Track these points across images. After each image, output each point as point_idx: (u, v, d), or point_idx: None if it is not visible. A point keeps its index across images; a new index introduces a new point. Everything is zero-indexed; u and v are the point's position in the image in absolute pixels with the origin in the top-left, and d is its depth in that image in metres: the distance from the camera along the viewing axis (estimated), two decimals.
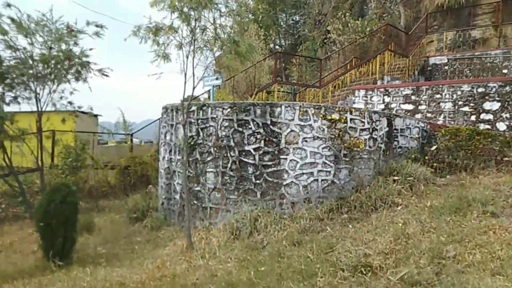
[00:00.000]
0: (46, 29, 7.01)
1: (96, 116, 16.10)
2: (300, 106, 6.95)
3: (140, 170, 10.76)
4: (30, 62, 7.05)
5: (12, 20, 6.65)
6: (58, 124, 8.67)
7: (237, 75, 13.95)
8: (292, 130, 6.86)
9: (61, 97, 7.51)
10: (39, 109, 7.26)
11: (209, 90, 11.68)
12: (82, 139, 9.69)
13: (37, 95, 7.22)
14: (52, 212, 5.62)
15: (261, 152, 6.84)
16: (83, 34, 7.49)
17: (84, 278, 5.07)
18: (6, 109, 7.30)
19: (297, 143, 6.84)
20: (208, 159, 7.13)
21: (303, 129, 6.88)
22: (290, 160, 6.81)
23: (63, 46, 7.24)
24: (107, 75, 7.80)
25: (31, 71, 7.04)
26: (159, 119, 13.80)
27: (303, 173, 6.82)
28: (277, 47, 25.10)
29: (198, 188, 7.18)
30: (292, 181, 6.79)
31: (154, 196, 8.86)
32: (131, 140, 12.38)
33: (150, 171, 10.68)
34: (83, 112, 9.92)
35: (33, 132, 7.61)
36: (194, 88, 5.66)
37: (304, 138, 6.86)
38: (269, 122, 6.86)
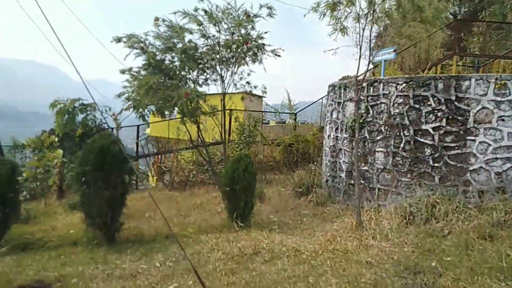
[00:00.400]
0: (230, 17, 7.88)
1: (261, 97, 17.35)
2: (496, 79, 5.86)
3: (302, 147, 11.16)
4: (217, 48, 8.06)
5: (205, 12, 7.71)
6: (238, 103, 9.78)
7: (403, 51, 12.74)
8: (483, 107, 5.86)
9: (240, 78, 8.40)
10: (224, 90, 8.30)
11: (374, 67, 11.09)
12: (254, 117, 10.69)
13: (222, 77, 8.25)
14: (236, 179, 6.37)
15: (441, 131, 6.12)
16: (258, 18, 8.08)
17: (262, 240, 5.60)
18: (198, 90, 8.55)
19: (490, 122, 5.82)
20: (378, 138, 6.81)
21: (500, 106, 5.79)
22: (480, 142, 5.86)
23: (242, 31, 8.00)
24: (279, 55, 8.25)
25: (217, 56, 8.06)
26: (318, 100, 13.98)
27: (496, 158, 5.79)
28: (450, 16, 21.83)
29: (365, 168, 6.98)
30: (481, 167, 5.85)
31: (317, 173, 9.06)
32: (295, 119, 12.98)
33: (312, 149, 10.96)
34: (252, 94, 10.85)
35: (218, 110, 8.75)
36: (370, 62, 5.45)
37: (500, 116, 5.78)
38: (453, 97, 6.04)
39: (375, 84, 6.86)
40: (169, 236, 6.20)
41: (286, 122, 15.39)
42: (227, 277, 4.44)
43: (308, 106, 14.33)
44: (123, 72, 7.41)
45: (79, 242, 6.08)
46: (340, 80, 8.47)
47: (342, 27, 5.34)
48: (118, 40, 7.38)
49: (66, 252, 5.71)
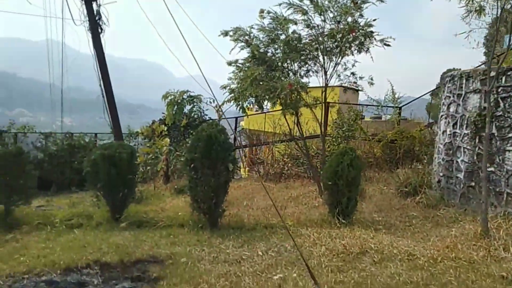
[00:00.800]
0: (337, 5, 7.52)
1: (357, 90, 16.59)
2: None
3: (406, 144, 10.29)
4: (320, 38, 7.78)
5: (311, 1, 7.49)
6: (338, 96, 9.40)
7: None
8: None
9: (345, 69, 8.00)
10: (326, 81, 8.01)
11: (497, 56, 9.63)
12: (354, 110, 10.17)
13: (324, 69, 7.96)
14: (339, 173, 6.09)
15: None
16: (367, 3, 7.54)
17: (368, 239, 5.24)
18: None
19: None
20: (510, 135, 5.86)
21: None
22: None
23: (349, 19, 7.57)
24: (388, 45, 7.60)
25: (321, 46, 7.79)
26: (425, 94, 12.75)
27: None
28: None
29: (491, 169, 6.07)
30: None
31: (425, 172, 8.24)
32: (399, 114, 12.02)
33: (418, 146, 10.03)
34: (349, 88, 10.31)
35: (320, 102, 8.51)
36: (509, 46, 4.60)
37: None
38: None
39: (509, 73, 5.88)
40: (269, 226, 6.23)
41: (382, 118, 14.42)
42: (334, 274, 4.23)
43: (415, 100, 13.10)
44: (229, 63, 7.65)
45: (185, 224, 6.46)
46: (444, 73, 7.53)
47: (478, 7, 4.63)
48: (226, 33, 7.62)
49: (174, 232, 6.10)
